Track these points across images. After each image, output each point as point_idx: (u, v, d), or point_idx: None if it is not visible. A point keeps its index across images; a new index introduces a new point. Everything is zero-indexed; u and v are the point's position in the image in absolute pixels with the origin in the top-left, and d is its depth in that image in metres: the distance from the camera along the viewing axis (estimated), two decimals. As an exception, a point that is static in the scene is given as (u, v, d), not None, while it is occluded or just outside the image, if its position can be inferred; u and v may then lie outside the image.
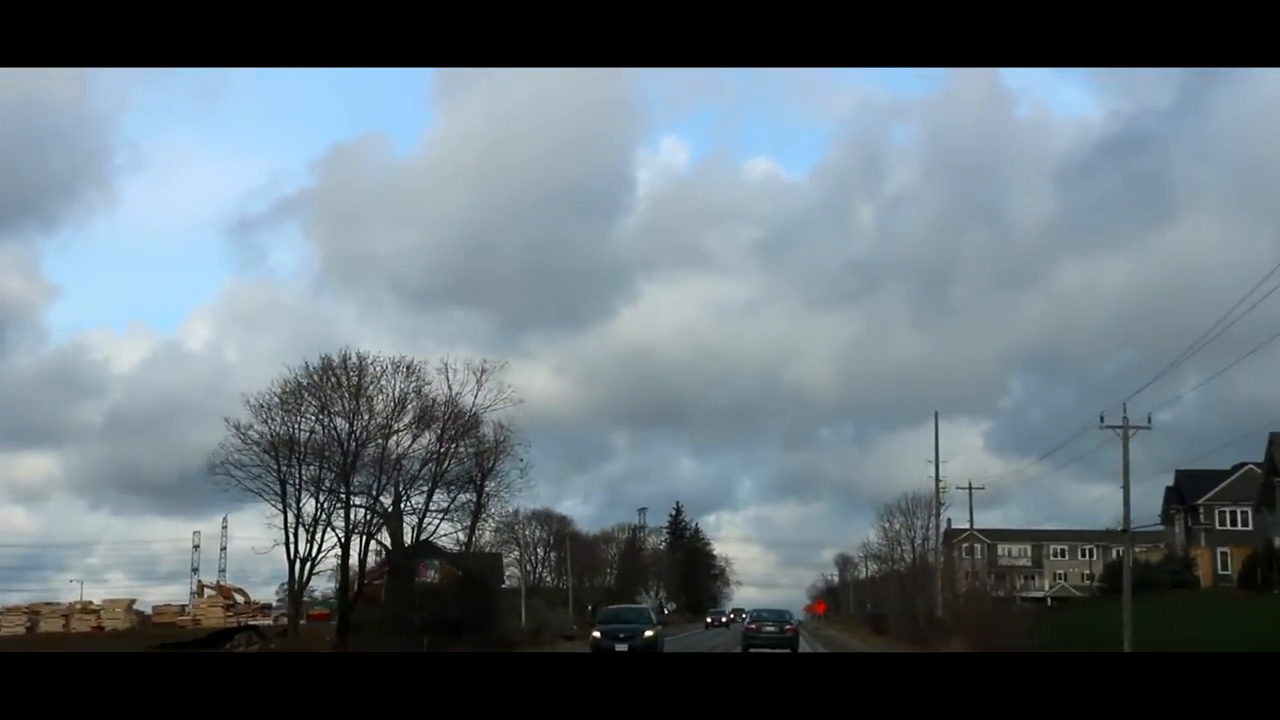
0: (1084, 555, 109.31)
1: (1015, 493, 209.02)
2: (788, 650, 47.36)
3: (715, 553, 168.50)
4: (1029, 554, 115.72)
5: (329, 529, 46.43)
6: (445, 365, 52.17)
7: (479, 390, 52.34)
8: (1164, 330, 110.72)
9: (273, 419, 45.74)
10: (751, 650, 47.78)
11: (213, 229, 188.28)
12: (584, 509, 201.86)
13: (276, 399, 46.21)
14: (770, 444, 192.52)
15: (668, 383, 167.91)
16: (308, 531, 45.01)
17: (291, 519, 45.60)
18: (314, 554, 45.06)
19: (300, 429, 46.47)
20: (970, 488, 69.55)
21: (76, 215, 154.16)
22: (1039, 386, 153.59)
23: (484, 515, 54.66)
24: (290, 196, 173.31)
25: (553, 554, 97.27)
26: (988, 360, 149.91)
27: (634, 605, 58.55)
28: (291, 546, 45.31)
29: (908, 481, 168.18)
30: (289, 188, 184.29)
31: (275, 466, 45.37)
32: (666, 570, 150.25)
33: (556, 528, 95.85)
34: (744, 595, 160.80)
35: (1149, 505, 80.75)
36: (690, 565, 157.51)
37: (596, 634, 39.33)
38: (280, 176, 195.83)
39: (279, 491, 45.57)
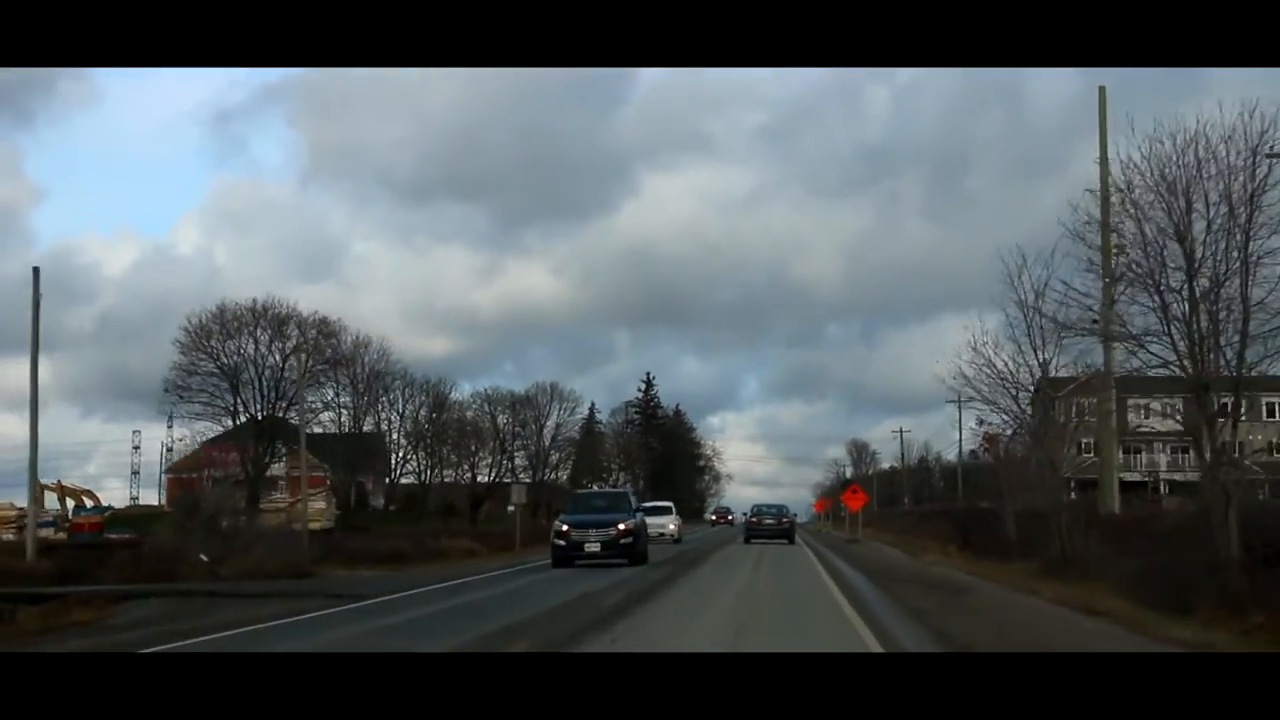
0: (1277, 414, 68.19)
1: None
2: (785, 540, 51.09)
3: (701, 441, 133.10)
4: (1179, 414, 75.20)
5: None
6: None
7: None
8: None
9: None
10: (753, 540, 51.21)
11: (190, 120, 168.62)
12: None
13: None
14: (776, 342, 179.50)
15: (670, 279, 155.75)
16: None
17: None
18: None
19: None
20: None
21: (54, 109, 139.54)
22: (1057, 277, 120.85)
23: None
24: (272, 84, 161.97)
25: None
26: (1004, 251, 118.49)
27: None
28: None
29: (918, 380, 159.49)
30: (271, 74, 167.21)
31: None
32: (634, 459, 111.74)
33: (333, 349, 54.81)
34: (749, 495, 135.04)
35: None
36: (668, 454, 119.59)
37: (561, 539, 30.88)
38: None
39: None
